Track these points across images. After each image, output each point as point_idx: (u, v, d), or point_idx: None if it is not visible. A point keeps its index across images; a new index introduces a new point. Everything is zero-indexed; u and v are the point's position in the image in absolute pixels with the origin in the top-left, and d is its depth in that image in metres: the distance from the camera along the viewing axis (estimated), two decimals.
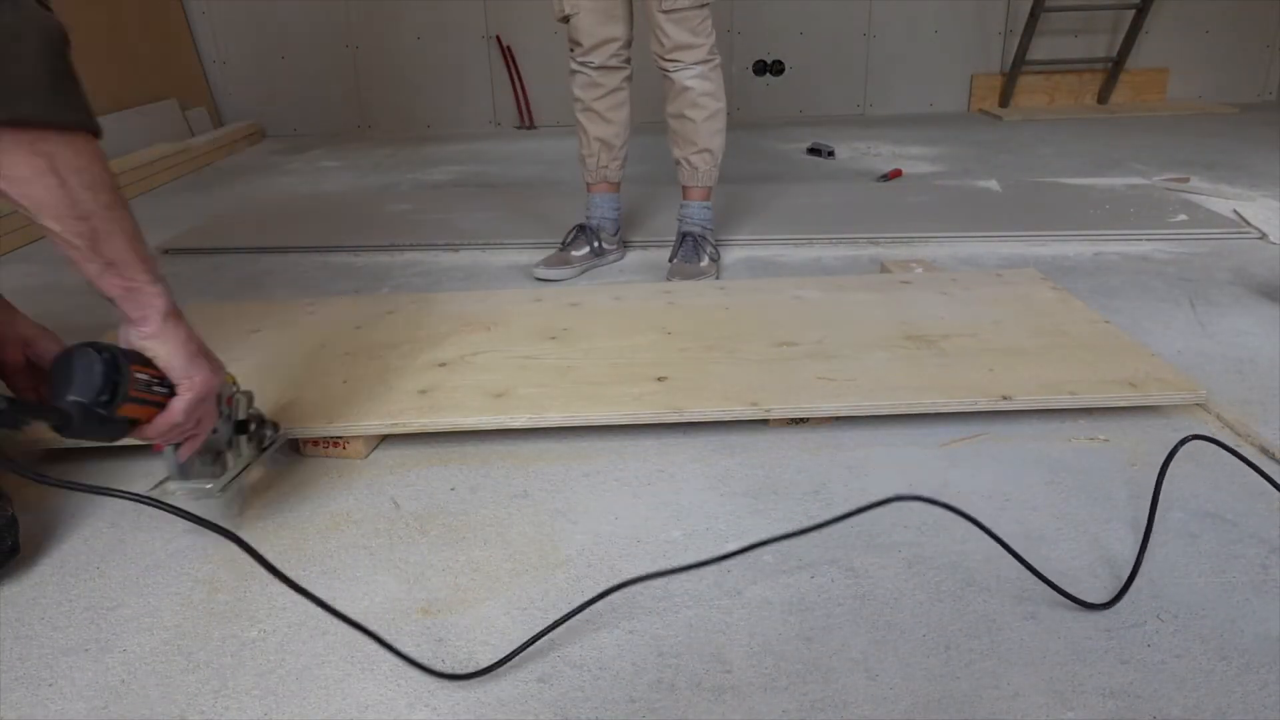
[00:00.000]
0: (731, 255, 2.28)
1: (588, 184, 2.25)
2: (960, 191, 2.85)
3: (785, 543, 1.09)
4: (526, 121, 4.51)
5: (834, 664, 0.92)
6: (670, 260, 2.13)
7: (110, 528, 1.20)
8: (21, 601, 1.06)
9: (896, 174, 3.13)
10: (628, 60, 2.11)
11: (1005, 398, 1.35)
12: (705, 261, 2.10)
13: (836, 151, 3.55)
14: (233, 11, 4.34)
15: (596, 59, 2.08)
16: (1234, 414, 1.39)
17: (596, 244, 2.22)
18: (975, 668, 0.91)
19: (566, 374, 1.46)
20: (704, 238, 2.13)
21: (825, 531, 1.14)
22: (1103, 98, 4.47)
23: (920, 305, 1.70)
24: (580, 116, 2.17)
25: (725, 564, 1.08)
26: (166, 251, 2.48)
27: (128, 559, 1.13)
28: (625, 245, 2.36)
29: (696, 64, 2.00)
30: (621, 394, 1.39)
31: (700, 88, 2.02)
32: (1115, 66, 4.37)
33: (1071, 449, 1.31)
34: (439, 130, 4.51)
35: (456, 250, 2.44)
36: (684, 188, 2.16)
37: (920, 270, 1.96)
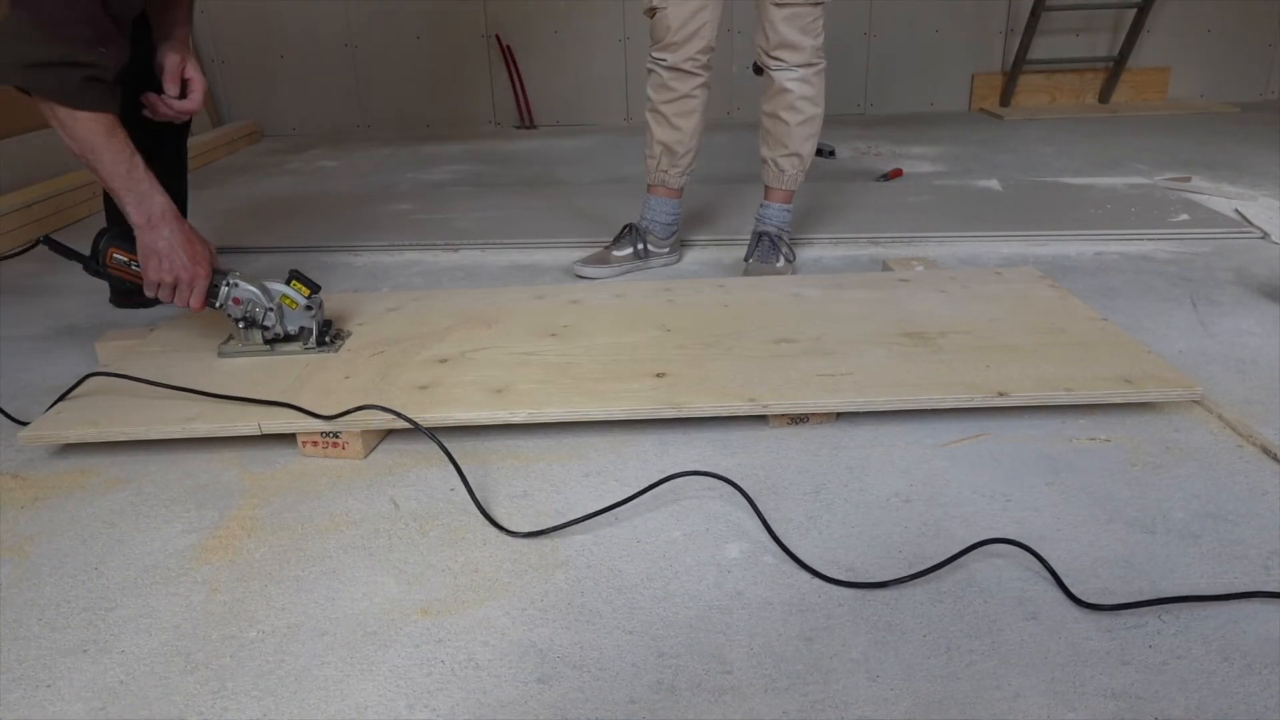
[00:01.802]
0: (732, 254, 2.27)
1: (647, 184, 2.20)
2: (961, 191, 2.85)
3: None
4: (526, 121, 4.50)
5: (834, 665, 0.92)
6: (745, 260, 2.12)
7: (108, 528, 1.20)
8: (20, 602, 1.06)
9: (897, 174, 3.12)
10: (705, 66, 2.02)
11: (1001, 394, 1.34)
12: (781, 262, 2.08)
13: (837, 151, 3.55)
14: (233, 11, 4.33)
15: (671, 58, 1.99)
16: (1235, 414, 1.38)
17: (641, 246, 2.17)
18: (976, 668, 0.91)
19: (566, 370, 1.46)
20: (780, 238, 2.10)
21: (825, 533, 1.14)
22: (1104, 97, 4.47)
23: (918, 303, 1.69)
24: (648, 116, 2.11)
25: (726, 565, 1.08)
26: None
27: (126, 559, 1.13)
28: (683, 247, 2.31)
29: (799, 66, 1.94)
30: (621, 390, 1.39)
31: (800, 91, 1.96)
32: (1116, 66, 4.37)
33: (1073, 449, 1.31)
34: (439, 130, 4.50)
35: (456, 250, 2.43)
36: (766, 188, 2.12)
37: (921, 268, 1.96)
